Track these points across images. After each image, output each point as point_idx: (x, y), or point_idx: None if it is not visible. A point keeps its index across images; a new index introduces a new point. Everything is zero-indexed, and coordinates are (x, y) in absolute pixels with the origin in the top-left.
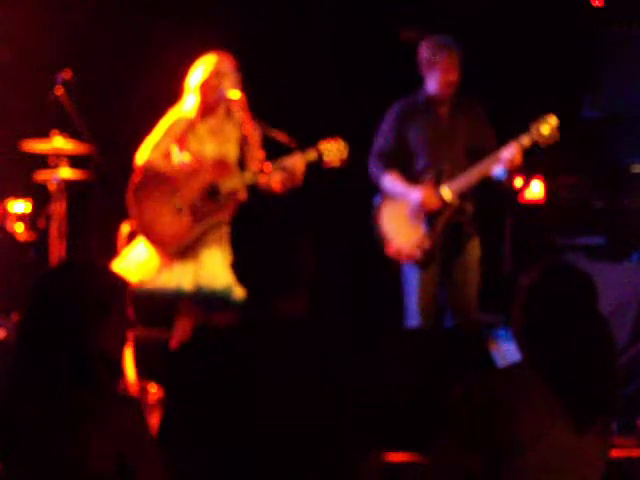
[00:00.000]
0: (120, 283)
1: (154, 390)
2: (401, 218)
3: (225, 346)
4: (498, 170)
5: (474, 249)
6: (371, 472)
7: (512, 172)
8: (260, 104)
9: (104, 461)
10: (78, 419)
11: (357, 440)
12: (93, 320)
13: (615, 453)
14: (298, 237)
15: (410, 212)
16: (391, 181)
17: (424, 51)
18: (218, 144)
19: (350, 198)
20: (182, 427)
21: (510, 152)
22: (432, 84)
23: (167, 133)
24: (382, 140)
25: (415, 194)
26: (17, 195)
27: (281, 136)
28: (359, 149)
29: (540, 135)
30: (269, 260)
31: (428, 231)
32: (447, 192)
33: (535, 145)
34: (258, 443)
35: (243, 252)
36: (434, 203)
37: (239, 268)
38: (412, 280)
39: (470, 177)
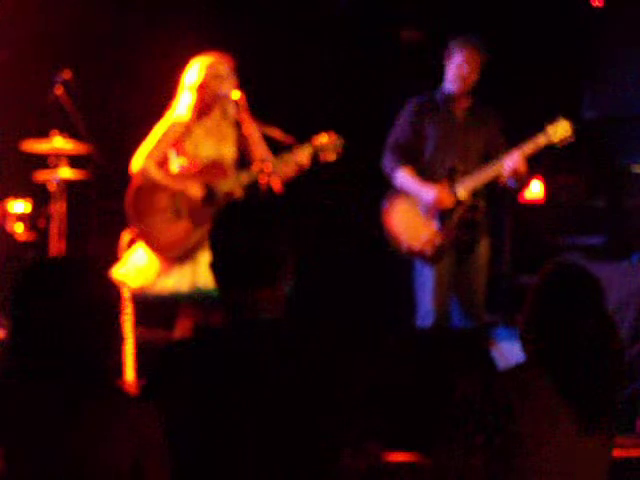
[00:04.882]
0: (109, 283)
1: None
2: (412, 214)
3: (214, 344)
4: (509, 180)
5: (485, 249)
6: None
7: (521, 179)
8: (253, 101)
9: (119, 464)
10: (90, 420)
11: (353, 438)
12: (82, 317)
13: (615, 453)
14: (278, 231)
15: (422, 208)
16: (405, 177)
17: (449, 46)
18: (215, 144)
19: (356, 194)
20: (168, 424)
21: (512, 161)
22: (448, 79)
23: (162, 139)
24: (398, 133)
25: (429, 192)
26: (17, 195)
27: (276, 133)
28: (360, 144)
29: (556, 137)
30: (248, 252)
31: (440, 228)
32: (461, 190)
33: (550, 147)
34: (248, 442)
35: (222, 244)
36: (448, 201)
37: (217, 261)
38: (427, 278)
39: (483, 176)
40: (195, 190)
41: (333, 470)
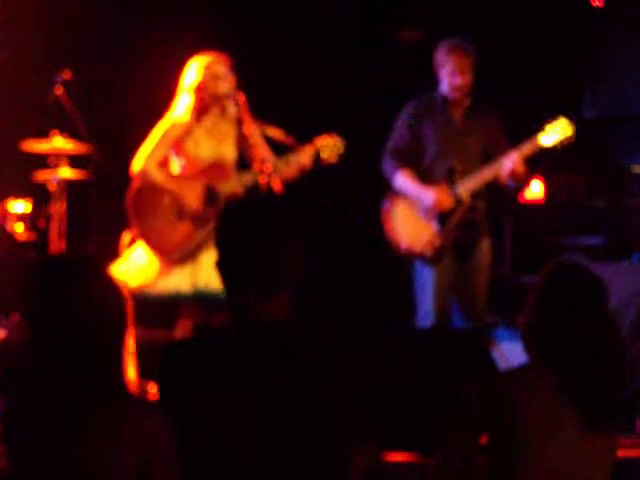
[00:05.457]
0: (114, 283)
1: (154, 390)
2: (412, 216)
3: (215, 344)
4: (508, 181)
5: (486, 250)
6: (368, 469)
7: (520, 180)
8: (253, 101)
9: (124, 465)
10: (94, 420)
11: (353, 438)
12: (87, 317)
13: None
14: (282, 233)
15: (422, 210)
16: (404, 179)
17: (437, 52)
18: (215, 145)
19: (357, 196)
20: (174, 425)
21: (511, 161)
22: (443, 86)
23: (162, 140)
24: (397, 136)
25: (428, 194)
26: (17, 195)
27: (277, 133)
28: (361, 147)
29: (555, 137)
30: (251, 254)
31: (440, 229)
32: (460, 191)
33: (549, 147)
34: (249, 441)
35: (226, 251)
36: (447, 203)
37: (222, 262)
38: (427, 279)
39: (482, 177)
40: (192, 199)
41: (333, 470)
